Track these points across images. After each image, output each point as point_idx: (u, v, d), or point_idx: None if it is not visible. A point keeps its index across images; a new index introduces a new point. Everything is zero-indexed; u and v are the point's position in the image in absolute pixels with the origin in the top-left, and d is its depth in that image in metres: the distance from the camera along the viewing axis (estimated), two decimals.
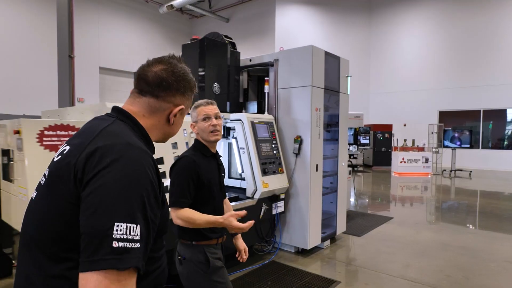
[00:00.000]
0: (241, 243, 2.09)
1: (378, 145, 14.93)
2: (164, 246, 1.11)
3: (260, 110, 4.63)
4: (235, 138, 4.00)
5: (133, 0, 16.97)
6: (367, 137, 13.82)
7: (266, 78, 4.37)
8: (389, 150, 14.77)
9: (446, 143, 13.02)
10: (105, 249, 0.75)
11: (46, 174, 0.95)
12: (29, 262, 0.90)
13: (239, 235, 2.09)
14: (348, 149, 6.97)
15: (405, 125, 16.78)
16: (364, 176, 12.86)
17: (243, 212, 1.75)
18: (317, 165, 4.19)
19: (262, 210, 3.81)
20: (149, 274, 0.97)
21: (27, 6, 13.05)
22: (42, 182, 0.96)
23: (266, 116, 4.18)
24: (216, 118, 1.92)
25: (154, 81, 1.04)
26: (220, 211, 1.97)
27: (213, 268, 1.85)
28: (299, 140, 4.13)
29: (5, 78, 12.39)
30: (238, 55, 4.41)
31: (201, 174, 1.85)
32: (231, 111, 4.25)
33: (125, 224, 0.78)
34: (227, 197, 2.24)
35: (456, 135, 12.91)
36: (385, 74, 17.71)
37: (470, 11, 15.02)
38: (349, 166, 6.94)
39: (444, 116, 15.76)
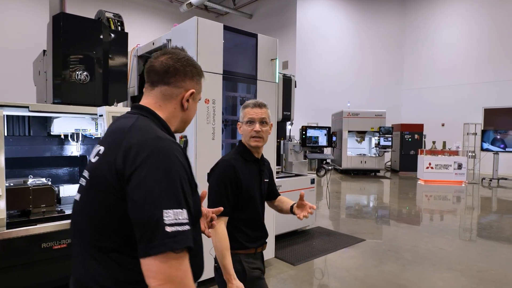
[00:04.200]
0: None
1: (406, 148, 13.03)
2: (200, 231, 1.20)
3: None
4: None
5: (157, 1, 16.91)
6: (389, 138, 12.13)
7: None
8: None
9: (486, 146, 10.85)
10: (160, 234, 0.84)
11: (87, 176, 1.02)
12: (83, 254, 1.00)
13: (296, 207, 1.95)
14: (319, 151, 5.78)
15: (443, 125, 14.60)
16: (381, 184, 11.21)
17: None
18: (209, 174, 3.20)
19: None
20: (191, 258, 0.94)
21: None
22: (84, 184, 1.03)
23: None
24: (261, 123, 1.82)
25: (162, 69, 1.09)
26: (259, 218, 1.92)
27: (250, 278, 1.78)
28: (183, 141, 3.19)
29: None
30: (125, 36, 3.58)
31: (240, 180, 1.80)
32: (109, 104, 3.45)
33: (172, 210, 0.87)
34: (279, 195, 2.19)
35: (498, 136, 10.69)
36: (421, 68, 15.60)
37: None
38: (322, 172, 5.78)
39: (491, 114, 13.31)
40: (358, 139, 13.14)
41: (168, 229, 0.84)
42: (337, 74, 15.88)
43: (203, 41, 3.11)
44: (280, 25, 16.45)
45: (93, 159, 1.02)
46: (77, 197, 1.06)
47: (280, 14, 16.53)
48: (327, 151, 6.72)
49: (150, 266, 0.84)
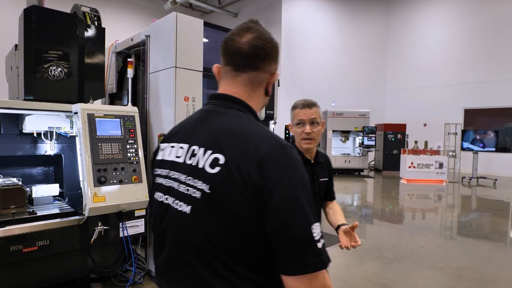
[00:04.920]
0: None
1: (389, 147, 13.22)
2: None
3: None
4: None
5: None
6: (373, 138, 12.27)
7: (129, 60, 3.40)
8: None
9: (466, 145, 11.11)
10: (313, 252, 0.81)
11: (205, 189, 0.87)
12: (197, 271, 0.89)
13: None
14: None
15: (425, 125, 14.89)
16: (365, 183, 11.34)
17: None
18: None
19: (96, 231, 2.85)
20: None
21: None
22: (198, 196, 0.88)
23: (124, 108, 3.20)
24: (312, 123, 1.76)
25: (251, 52, 0.96)
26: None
27: None
28: (161, 139, 3.10)
29: None
30: (102, 31, 3.46)
31: None
32: (85, 101, 3.32)
33: (315, 224, 0.83)
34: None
35: (478, 137, 10.95)
36: (404, 69, 15.86)
37: None
38: None
39: (471, 114, 13.64)
40: (342, 138, 13.25)
41: (319, 245, 0.82)
42: (321, 74, 15.98)
43: (182, 37, 3.03)
44: (265, 24, 15.74)
45: (210, 170, 0.87)
46: (185, 208, 0.91)
47: (266, 14, 16.51)
48: None
49: (303, 283, 0.81)
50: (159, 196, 1.01)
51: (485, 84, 13.26)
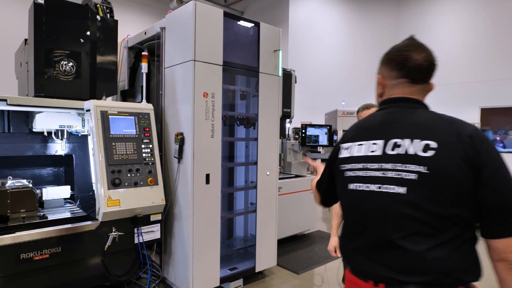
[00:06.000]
0: None
1: None
2: None
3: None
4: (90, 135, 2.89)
5: None
6: None
7: (143, 53, 3.21)
8: None
9: None
10: None
11: (423, 170, 1.03)
12: (420, 243, 1.02)
13: None
14: (318, 151, 5.54)
15: None
16: None
17: None
18: (207, 175, 2.93)
19: (110, 238, 2.66)
20: None
21: None
22: (411, 177, 1.04)
23: (139, 105, 3.01)
24: None
25: (428, 69, 1.16)
26: None
27: None
28: (179, 139, 2.91)
29: None
30: (115, 24, 3.27)
31: None
32: (97, 98, 3.14)
33: None
34: None
35: (498, 137, 10.59)
36: None
37: None
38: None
39: (488, 113, 13.26)
40: None
41: None
42: (330, 73, 15.69)
43: (201, 28, 2.83)
44: (272, 23, 15.94)
45: (422, 153, 1.04)
46: (399, 190, 1.06)
47: (272, 12, 16.26)
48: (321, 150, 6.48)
49: (510, 244, 0.98)
50: (356, 186, 1.16)
51: (501, 82, 12.87)
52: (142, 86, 3.29)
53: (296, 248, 4.42)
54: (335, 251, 2.14)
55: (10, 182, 2.83)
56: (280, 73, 3.52)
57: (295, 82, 4.99)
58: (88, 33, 3.05)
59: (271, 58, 3.41)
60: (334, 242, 2.16)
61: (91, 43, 3.08)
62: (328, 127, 5.50)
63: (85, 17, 3.05)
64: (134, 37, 3.73)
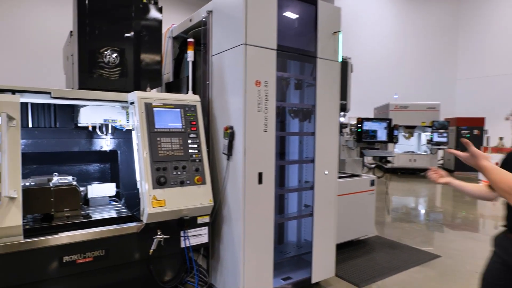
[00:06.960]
0: None
1: (463, 145, 11.66)
2: None
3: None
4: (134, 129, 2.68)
5: None
6: (444, 134, 10.93)
7: (189, 40, 2.94)
8: None
9: None
10: None
11: None
12: None
13: None
14: (376, 148, 5.00)
15: (507, 118, 13.01)
16: (433, 185, 10.07)
17: None
18: (260, 174, 2.60)
19: (155, 241, 2.42)
20: None
21: None
22: None
23: (184, 97, 2.74)
24: None
25: None
26: None
27: None
28: (229, 133, 2.60)
29: None
30: (160, 11, 3.02)
31: None
32: (141, 90, 2.93)
33: None
34: None
35: None
36: (477, 56, 14.06)
37: None
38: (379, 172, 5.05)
39: None
40: (406, 135, 11.99)
41: None
42: (379, 64, 14.70)
43: (253, 8, 2.49)
44: None
45: None
46: None
47: None
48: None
49: None
50: None
51: None
52: (187, 77, 3.03)
53: (353, 256, 3.96)
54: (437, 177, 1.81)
55: (55, 179, 2.71)
56: (340, 59, 3.09)
57: (351, 71, 4.50)
58: (132, 21, 2.85)
59: (330, 41, 2.98)
60: (448, 177, 1.82)
61: (135, 32, 2.88)
62: (387, 121, 4.94)
63: (129, 4, 2.85)
64: (179, 26, 3.49)
